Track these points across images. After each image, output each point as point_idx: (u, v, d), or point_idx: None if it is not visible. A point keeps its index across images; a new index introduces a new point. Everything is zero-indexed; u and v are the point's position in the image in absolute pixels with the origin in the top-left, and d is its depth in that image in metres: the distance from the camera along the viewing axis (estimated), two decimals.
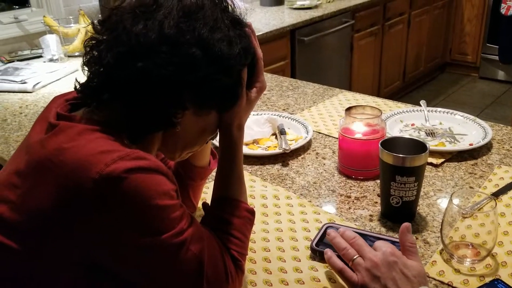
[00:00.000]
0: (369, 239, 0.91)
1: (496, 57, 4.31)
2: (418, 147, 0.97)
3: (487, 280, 0.83)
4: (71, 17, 2.40)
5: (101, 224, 0.64)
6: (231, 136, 0.83)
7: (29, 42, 2.44)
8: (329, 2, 3.29)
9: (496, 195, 1.07)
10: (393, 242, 0.90)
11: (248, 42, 0.79)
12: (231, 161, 0.84)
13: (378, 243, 0.80)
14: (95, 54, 0.72)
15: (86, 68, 0.73)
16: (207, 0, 0.74)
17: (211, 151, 0.99)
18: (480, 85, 4.48)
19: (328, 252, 0.83)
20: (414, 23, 3.97)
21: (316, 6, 3.15)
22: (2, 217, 0.68)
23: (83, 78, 0.76)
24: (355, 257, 0.79)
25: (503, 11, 4.05)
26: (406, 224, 0.81)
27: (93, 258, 0.67)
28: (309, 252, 0.92)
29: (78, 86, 0.75)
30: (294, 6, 3.16)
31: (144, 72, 0.68)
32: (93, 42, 0.72)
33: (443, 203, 1.07)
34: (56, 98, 0.81)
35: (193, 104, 0.74)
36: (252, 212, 0.83)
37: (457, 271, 0.86)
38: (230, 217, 0.80)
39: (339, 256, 0.82)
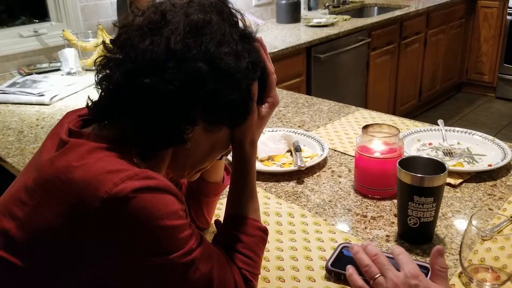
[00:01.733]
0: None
1: None
2: (436, 167, 0.96)
3: None
4: (90, 31, 2.44)
5: (108, 244, 0.63)
6: (244, 152, 0.82)
7: (47, 56, 2.48)
8: (345, 20, 3.30)
9: None
10: None
11: (257, 56, 0.77)
12: (243, 178, 0.83)
13: (401, 259, 0.77)
14: (106, 72, 0.72)
15: (98, 87, 0.73)
16: (216, 16, 0.73)
17: (225, 167, 0.99)
18: (497, 105, 4.43)
19: (350, 269, 0.80)
20: (430, 42, 3.95)
21: (332, 24, 3.16)
22: (9, 234, 0.67)
23: (96, 95, 0.76)
24: (377, 276, 0.76)
25: None
26: (438, 247, 0.77)
27: (100, 277, 0.66)
28: (324, 272, 0.90)
29: (90, 104, 0.75)
30: (311, 24, 3.17)
31: (151, 88, 0.68)
32: (104, 60, 0.73)
33: (461, 224, 1.04)
34: (69, 114, 0.81)
35: (203, 119, 0.73)
36: (265, 231, 0.82)
37: None
38: (242, 235, 0.78)
39: (359, 272, 0.80)
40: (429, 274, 0.78)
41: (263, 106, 0.83)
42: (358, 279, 0.79)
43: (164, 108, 0.69)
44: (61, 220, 0.64)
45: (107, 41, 0.74)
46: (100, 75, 0.73)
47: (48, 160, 0.70)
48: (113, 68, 0.70)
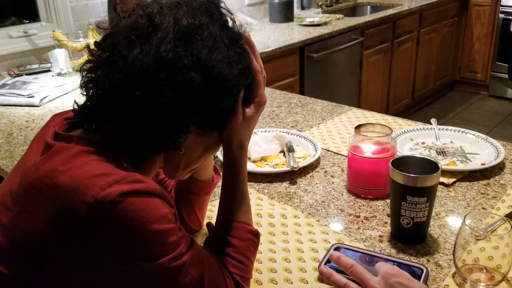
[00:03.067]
0: (378, 261, 0.88)
1: (506, 75, 4.29)
2: (429, 166, 0.95)
3: None
4: (80, 31, 2.42)
5: (96, 249, 0.62)
6: (231, 154, 0.81)
7: (38, 56, 2.45)
8: (338, 19, 3.29)
9: (510, 216, 1.04)
10: (400, 264, 0.87)
11: (248, 61, 0.75)
12: (233, 180, 0.82)
13: (378, 265, 0.76)
14: (92, 76, 0.70)
15: (84, 91, 0.72)
16: (206, 18, 0.70)
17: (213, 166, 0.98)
18: (490, 104, 4.45)
19: (325, 270, 0.79)
20: (423, 40, 3.96)
21: (325, 23, 3.15)
22: None
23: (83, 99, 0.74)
24: None
25: None
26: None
27: (90, 283, 0.65)
28: (317, 273, 0.89)
29: (76, 108, 0.74)
30: (304, 23, 3.17)
31: (142, 101, 0.66)
32: (90, 65, 0.71)
33: (455, 224, 1.04)
34: (55, 117, 0.79)
35: (196, 126, 0.72)
36: (256, 234, 0.81)
37: None
38: (233, 239, 0.77)
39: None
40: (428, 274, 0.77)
41: (250, 107, 0.80)
42: (339, 278, 0.77)
43: (156, 119, 0.68)
44: (47, 226, 0.63)
45: (92, 46, 0.72)
46: (85, 79, 0.71)
47: (33, 164, 0.68)
48: (101, 76, 0.68)
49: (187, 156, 0.77)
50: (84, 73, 0.71)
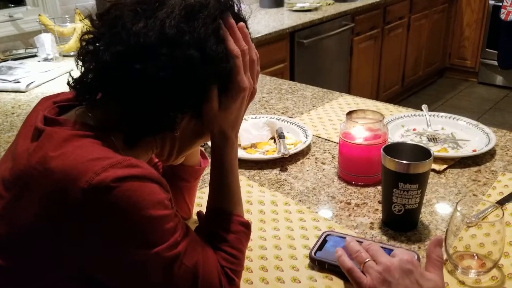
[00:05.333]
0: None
1: (495, 62, 4.30)
2: (421, 153, 0.94)
3: None
4: (67, 16, 2.37)
5: (91, 236, 0.60)
6: (214, 145, 0.78)
7: (24, 41, 2.40)
8: (329, 4, 3.27)
9: (501, 203, 1.04)
10: (391, 251, 0.86)
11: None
12: (218, 171, 0.79)
13: (397, 250, 0.76)
14: (91, 48, 0.68)
15: (80, 63, 0.70)
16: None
17: (200, 150, 0.96)
18: (479, 90, 4.47)
19: (339, 251, 0.80)
20: (413, 27, 3.95)
21: (316, 9, 3.13)
22: None
23: (77, 75, 0.72)
24: (367, 259, 0.75)
25: (502, 16, 4.04)
26: (439, 237, 0.77)
27: (85, 271, 0.63)
28: (307, 261, 0.89)
29: (71, 82, 0.71)
30: (294, 8, 3.14)
31: (142, 75, 0.65)
32: (90, 36, 0.69)
33: (446, 211, 1.04)
34: (43, 100, 0.77)
35: (190, 108, 0.71)
36: (247, 225, 0.79)
37: (462, 283, 0.83)
38: (223, 232, 0.75)
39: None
40: (419, 261, 0.77)
41: (227, 94, 0.74)
42: (346, 260, 0.77)
43: (154, 95, 0.66)
44: (40, 213, 0.61)
45: (81, 30, 0.70)
46: (83, 51, 0.69)
47: (24, 150, 0.66)
48: (101, 48, 0.66)
49: (181, 140, 0.76)
50: (83, 43, 0.69)
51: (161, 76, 0.65)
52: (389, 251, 0.86)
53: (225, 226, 0.76)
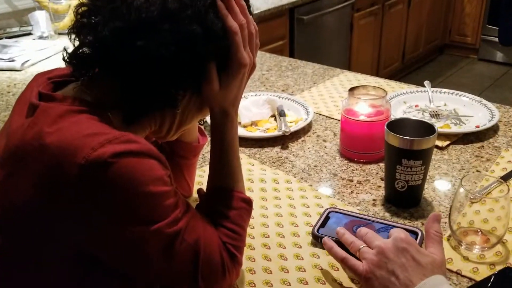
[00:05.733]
0: (374, 225, 0.87)
1: (496, 39, 4.25)
2: (425, 129, 0.93)
3: (498, 268, 0.79)
4: None
5: (89, 213, 0.59)
6: (215, 122, 0.76)
7: (18, 19, 2.36)
8: None
9: (504, 179, 1.03)
10: (394, 228, 0.86)
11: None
12: (219, 149, 0.77)
13: (393, 230, 0.75)
14: (87, 22, 0.65)
15: (74, 36, 0.67)
16: None
17: (198, 127, 0.94)
18: (479, 67, 4.43)
19: (328, 242, 0.79)
20: (414, 3, 3.89)
21: None
22: None
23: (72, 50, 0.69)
24: (361, 246, 0.74)
25: None
26: (437, 214, 0.76)
27: (84, 248, 0.62)
28: (310, 238, 0.88)
29: (66, 57, 0.69)
30: None
31: (144, 52, 0.62)
32: (86, 8, 0.66)
33: (449, 187, 1.03)
34: (37, 76, 0.75)
35: (192, 84, 0.69)
36: (248, 202, 0.78)
37: (466, 258, 0.82)
38: (225, 209, 0.74)
39: (341, 246, 0.78)
40: (423, 237, 0.76)
41: (227, 72, 0.72)
42: (339, 250, 0.76)
43: (155, 73, 0.64)
44: (35, 189, 0.60)
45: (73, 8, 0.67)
46: (78, 24, 0.66)
47: (19, 126, 0.65)
48: (100, 22, 0.63)
49: (182, 116, 0.74)
50: (78, 16, 0.66)
51: (163, 53, 0.63)
52: (392, 227, 0.85)
53: (226, 203, 0.75)
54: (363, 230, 0.78)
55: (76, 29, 0.66)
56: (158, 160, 0.63)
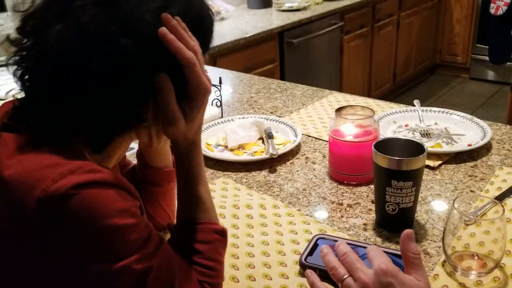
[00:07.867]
0: (358, 249, 0.82)
1: (486, 58, 4.27)
2: (414, 148, 0.89)
3: None
4: None
5: (52, 249, 0.55)
6: (180, 152, 0.71)
7: (5, 48, 2.34)
8: (317, 3, 3.22)
9: (500, 199, 0.99)
10: (387, 254, 0.81)
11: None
12: (186, 179, 0.72)
13: (371, 255, 0.69)
14: (21, 69, 0.61)
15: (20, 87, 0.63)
16: None
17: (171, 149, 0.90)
18: (471, 86, 4.44)
19: (310, 277, 0.71)
20: (403, 24, 3.92)
21: (304, 8, 3.08)
22: None
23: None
24: (344, 277, 0.69)
25: (492, 10, 4.01)
26: (407, 232, 0.68)
27: (48, 284, 0.58)
28: (298, 267, 0.83)
29: (14, 108, 0.64)
30: (282, 8, 3.09)
31: (83, 83, 0.58)
32: (18, 56, 0.62)
33: (443, 209, 0.99)
34: (4, 105, 0.71)
35: (148, 94, 0.63)
36: (221, 232, 0.73)
37: (462, 285, 0.78)
38: (197, 244, 0.69)
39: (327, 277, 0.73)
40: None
41: (189, 105, 0.67)
42: (321, 286, 0.71)
43: (105, 98, 0.59)
44: (1, 223, 0.56)
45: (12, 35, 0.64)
46: (18, 74, 0.62)
47: None
48: (28, 68, 0.60)
49: (155, 124, 0.68)
50: (16, 65, 0.62)
51: (105, 77, 0.58)
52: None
53: (197, 237, 0.70)
54: (341, 248, 0.71)
55: (18, 80, 0.63)
56: (126, 190, 0.59)
